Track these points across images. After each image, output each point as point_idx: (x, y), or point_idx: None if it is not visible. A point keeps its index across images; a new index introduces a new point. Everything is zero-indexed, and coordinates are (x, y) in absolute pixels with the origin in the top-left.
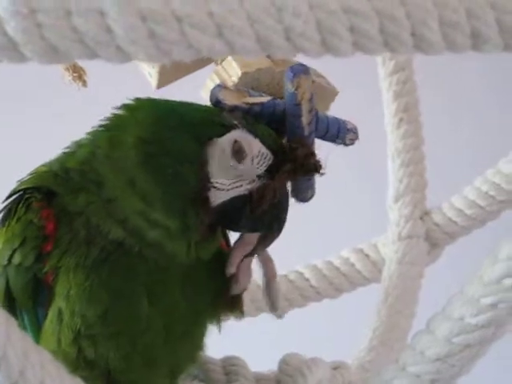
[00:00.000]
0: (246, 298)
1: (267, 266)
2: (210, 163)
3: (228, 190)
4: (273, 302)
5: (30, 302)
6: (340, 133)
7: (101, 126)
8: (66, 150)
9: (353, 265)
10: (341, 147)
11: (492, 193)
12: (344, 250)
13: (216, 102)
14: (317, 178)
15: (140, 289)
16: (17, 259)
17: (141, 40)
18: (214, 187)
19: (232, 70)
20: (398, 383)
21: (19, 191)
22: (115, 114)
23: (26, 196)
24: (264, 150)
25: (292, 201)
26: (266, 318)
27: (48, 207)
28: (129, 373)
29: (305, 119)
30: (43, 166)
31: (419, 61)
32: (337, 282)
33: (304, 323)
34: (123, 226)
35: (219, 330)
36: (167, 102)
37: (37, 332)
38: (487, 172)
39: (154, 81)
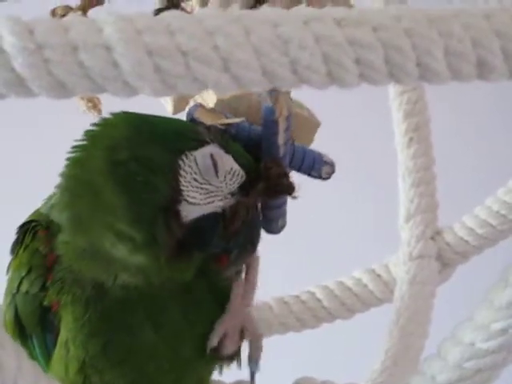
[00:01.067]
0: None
1: (252, 341)
2: (183, 175)
3: (200, 204)
4: (252, 355)
5: (39, 329)
6: (316, 164)
7: (72, 149)
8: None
9: (365, 285)
10: (352, 167)
11: (503, 212)
12: (356, 270)
13: (191, 121)
14: (327, 197)
15: (139, 317)
16: (24, 287)
17: (147, 74)
18: (186, 200)
19: (208, 97)
20: None
21: (27, 223)
22: (85, 134)
23: (33, 225)
24: (236, 167)
25: (301, 222)
26: (277, 340)
27: (49, 238)
28: None
29: (281, 138)
30: (38, 208)
31: None
32: (349, 303)
33: (316, 345)
34: (98, 260)
35: (220, 372)
36: (141, 114)
37: (46, 358)
38: (498, 191)
39: (169, 106)
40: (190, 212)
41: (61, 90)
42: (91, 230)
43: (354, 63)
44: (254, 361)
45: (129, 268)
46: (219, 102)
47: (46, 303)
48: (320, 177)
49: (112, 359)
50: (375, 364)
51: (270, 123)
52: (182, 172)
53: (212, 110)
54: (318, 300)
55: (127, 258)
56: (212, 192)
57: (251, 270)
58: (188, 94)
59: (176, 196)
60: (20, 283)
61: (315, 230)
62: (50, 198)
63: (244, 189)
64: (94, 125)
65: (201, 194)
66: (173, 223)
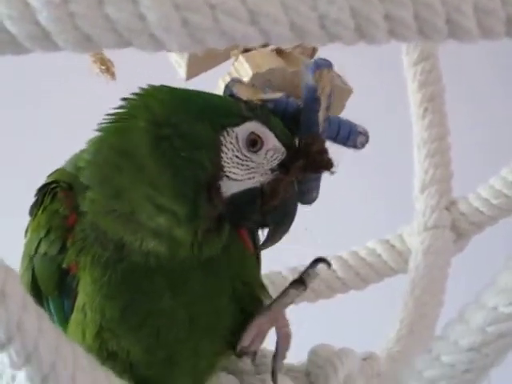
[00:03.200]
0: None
1: (282, 341)
2: (225, 152)
3: (240, 180)
4: (280, 354)
5: (56, 292)
6: (351, 135)
7: (110, 117)
8: (81, 149)
9: (379, 255)
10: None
11: None
12: (370, 241)
13: (230, 96)
14: (341, 168)
15: (159, 284)
16: (42, 249)
17: (174, 28)
18: (227, 176)
19: (244, 71)
20: (432, 373)
21: (45, 185)
22: (124, 103)
23: (52, 186)
24: (278, 143)
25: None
26: (293, 309)
27: (70, 198)
28: (150, 367)
29: (321, 115)
30: (61, 167)
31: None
32: (363, 273)
33: (331, 314)
34: (127, 222)
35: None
36: (182, 89)
37: (63, 322)
38: None
39: (182, 71)
40: (230, 187)
41: (86, 43)
42: (128, 198)
43: (383, 19)
44: (279, 359)
45: (160, 237)
46: (254, 76)
47: (64, 265)
48: (355, 146)
49: (129, 324)
50: (390, 333)
51: (312, 100)
52: (223, 148)
53: (250, 85)
54: (332, 270)
55: (164, 230)
56: (253, 168)
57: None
58: (203, 59)
59: (218, 172)
60: (38, 245)
61: (329, 201)
62: (77, 157)
63: (284, 165)
64: (135, 94)
65: (242, 169)
66: (214, 198)
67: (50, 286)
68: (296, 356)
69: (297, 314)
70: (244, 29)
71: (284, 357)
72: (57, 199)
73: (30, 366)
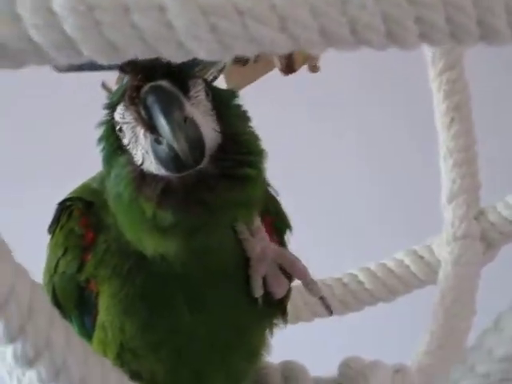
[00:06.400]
0: (300, 301)
1: (293, 269)
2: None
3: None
4: (310, 290)
5: (77, 311)
6: None
7: None
8: None
9: (407, 267)
10: (393, 148)
11: None
12: (398, 252)
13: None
14: (369, 178)
15: (178, 296)
16: (61, 268)
17: (202, 35)
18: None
19: None
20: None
21: (65, 201)
22: None
23: (68, 204)
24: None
25: (343, 203)
26: (322, 322)
27: (87, 216)
28: None
29: None
30: (88, 179)
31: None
32: (391, 285)
33: (360, 327)
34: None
35: (271, 336)
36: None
37: (87, 340)
38: None
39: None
40: (152, 167)
41: (112, 52)
42: None
43: (414, 22)
44: (314, 289)
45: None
46: None
47: (82, 282)
48: None
49: (149, 341)
50: (421, 346)
51: None
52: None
53: None
54: (360, 282)
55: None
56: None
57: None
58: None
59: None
60: (57, 264)
61: (357, 212)
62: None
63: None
64: None
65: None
66: (149, 187)
67: (71, 305)
68: (326, 369)
69: (326, 327)
70: (273, 35)
71: (314, 282)
72: (72, 218)
73: (58, 382)
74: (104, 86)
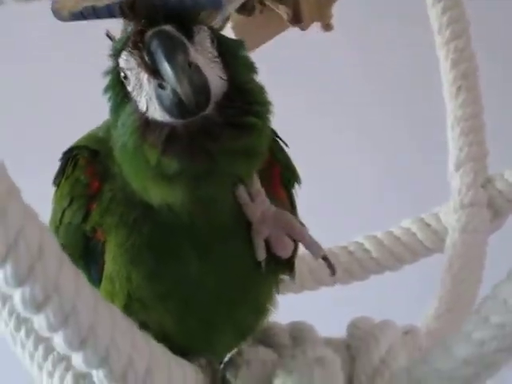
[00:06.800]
0: (305, 269)
1: (292, 231)
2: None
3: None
4: (312, 251)
5: (82, 262)
6: None
7: None
8: None
9: (414, 234)
10: (399, 119)
11: None
12: (404, 220)
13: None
14: (375, 147)
15: (185, 246)
16: (66, 219)
17: None
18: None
19: None
20: (481, 334)
21: (70, 151)
22: None
23: (74, 153)
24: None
25: (349, 173)
26: (327, 291)
27: (93, 165)
28: (186, 336)
29: None
30: (94, 129)
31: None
32: (398, 253)
33: (367, 291)
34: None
35: (277, 291)
36: None
37: None
38: None
39: None
40: (152, 110)
41: None
42: None
43: None
44: (315, 249)
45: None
46: None
47: (88, 231)
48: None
49: (156, 291)
50: (429, 310)
51: None
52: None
53: None
54: (366, 250)
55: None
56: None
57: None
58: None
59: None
60: (62, 215)
61: (363, 181)
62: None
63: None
64: None
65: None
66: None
67: (76, 256)
68: (333, 331)
69: (334, 293)
70: None
71: (314, 242)
72: (78, 167)
73: (67, 328)
74: (108, 34)
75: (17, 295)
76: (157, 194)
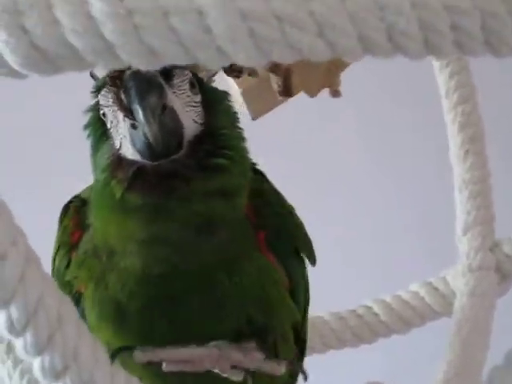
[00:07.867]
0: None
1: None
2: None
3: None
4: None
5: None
6: None
7: None
8: None
9: (422, 298)
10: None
11: None
12: (412, 284)
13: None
14: (383, 211)
15: (150, 299)
16: (56, 263)
17: (241, 39)
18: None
19: None
20: None
21: (73, 197)
22: None
23: (70, 201)
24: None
25: (359, 237)
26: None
27: (79, 214)
28: None
29: None
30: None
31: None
32: (406, 317)
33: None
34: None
35: None
36: None
37: None
38: None
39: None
40: (127, 151)
41: (151, 57)
42: None
43: (450, 30)
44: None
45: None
46: None
47: (72, 280)
48: None
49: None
50: (438, 374)
51: None
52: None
53: None
54: (375, 314)
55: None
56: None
57: None
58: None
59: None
60: (54, 258)
61: (372, 245)
62: None
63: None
64: None
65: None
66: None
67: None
68: None
69: (344, 356)
70: (311, 41)
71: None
72: (67, 215)
73: None
74: (92, 74)
75: (36, 364)
76: (115, 229)
